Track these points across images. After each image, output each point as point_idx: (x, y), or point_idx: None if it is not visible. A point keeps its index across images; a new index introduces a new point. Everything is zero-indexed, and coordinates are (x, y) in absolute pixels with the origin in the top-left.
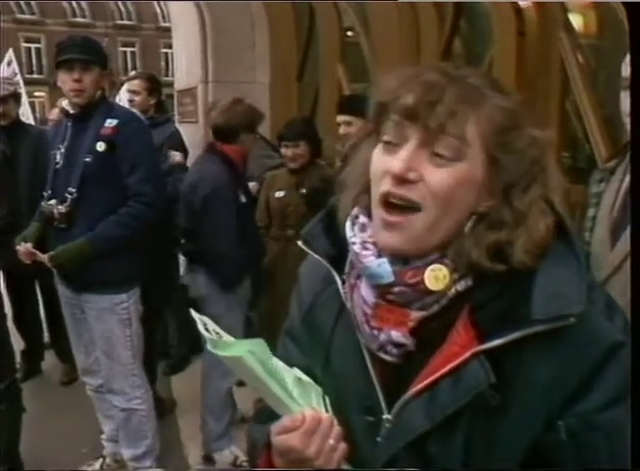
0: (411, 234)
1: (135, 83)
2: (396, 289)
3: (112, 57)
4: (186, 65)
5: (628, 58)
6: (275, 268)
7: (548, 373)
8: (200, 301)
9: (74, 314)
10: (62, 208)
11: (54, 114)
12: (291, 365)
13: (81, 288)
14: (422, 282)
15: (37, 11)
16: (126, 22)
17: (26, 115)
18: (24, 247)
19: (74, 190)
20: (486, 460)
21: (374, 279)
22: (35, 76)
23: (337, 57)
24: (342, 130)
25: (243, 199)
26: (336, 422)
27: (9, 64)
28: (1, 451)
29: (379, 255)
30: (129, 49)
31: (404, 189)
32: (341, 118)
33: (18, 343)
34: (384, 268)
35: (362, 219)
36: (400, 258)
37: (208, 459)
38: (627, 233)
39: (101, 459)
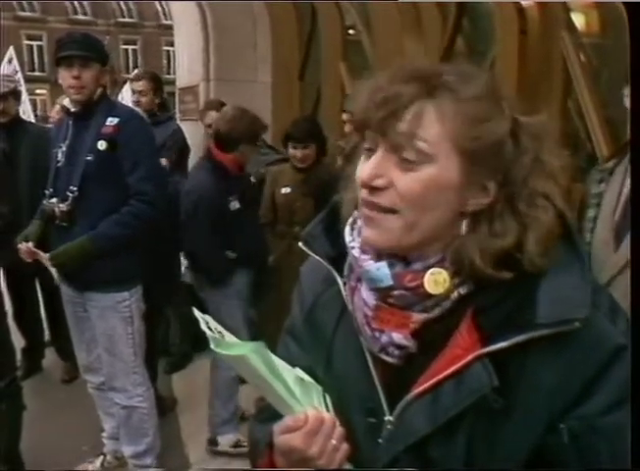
0: (389, 232)
1: (141, 84)
2: (395, 293)
3: (114, 55)
4: (187, 63)
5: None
6: (280, 265)
7: (551, 376)
8: (200, 292)
9: (76, 312)
10: (63, 207)
11: (55, 112)
12: (292, 364)
13: (84, 287)
14: (422, 285)
15: (39, 8)
16: (127, 19)
17: (26, 113)
18: (25, 246)
19: (75, 189)
20: (487, 463)
21: (373, 282)
22: (37, 73)
23: (339, 55)
24: (347, 128)
25: (237, 205)
26: (338, 422)
27: (10, 61)
28: (2, 449)
29: (378, 259)
30: (130, 47)
31: (375, 196)
32: (345, 116)
33: (18, 341)
34: (383, 271)
35: (360, 222)
36: (399, 260)
37: (211, 443)
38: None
39: (102, 457)
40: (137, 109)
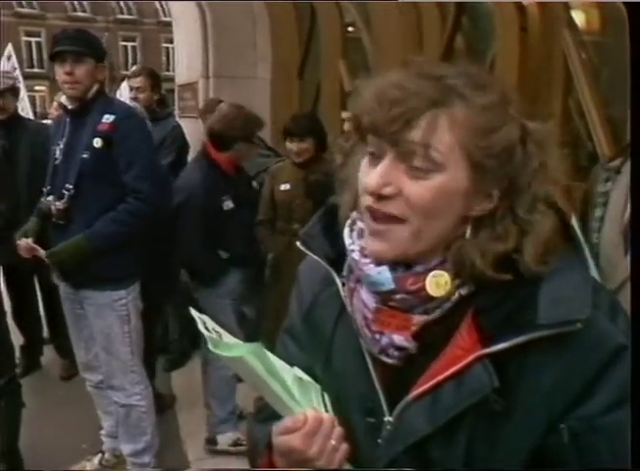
0: (396, 242)
1: (139, 81)
2: (397, 296)
3: (112, 52)
4: (186, 60)
5: None
6: (279, 262)
7: (552, 377)
8: (194, 293)
9: (73, 310)
10: (59, 204)
11: (54, 108)
12: (291, 364)
13: (80, 285)
14: (423, 288)
15: (38, 5)
16: (126, 16)
17: (25, 109)
18: (24, 242)
19: (71, 187)
20: (487, 463)
21: (374, 286)
22: (36, 70)
23: (338, 53)
24: (346, 126)
25: (230, 205)
26: (337, 422)
27: (8, 58)
28: (1, 447)
29: (379, 262)
30: (129, 44)
31: (383, 204)
32: (344, 114)
33: (17, 339)
34: (384, 275)
35: (360, 224)
36: (399, 263)
37: (210, 442)
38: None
39: (100, 455)
40: (135, 106)
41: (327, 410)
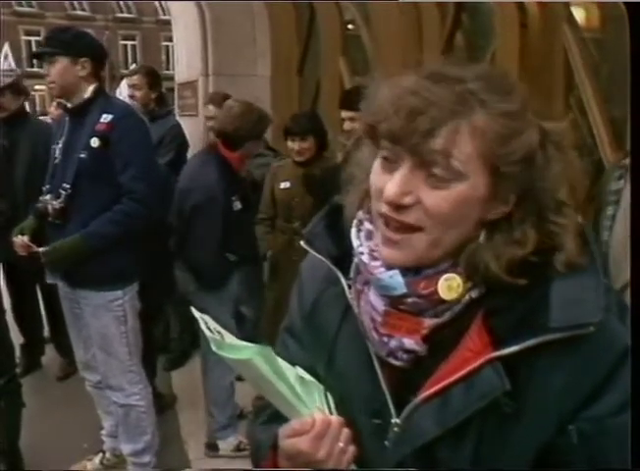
0: (412, 250)
1: (136, 78)
2: (409, 300)
3: (112, 51)
4: (186, 58)
5: None
6: (280, 260)
7: (562, 378)
8: (188, 296)
9: (72, 309)
10: (56, 204)
11: (53, 107)
12: (292, 363)
13: (77, 284)
14: (435, 292)
15: (37, 4)
16: (126, 15)
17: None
18: (20, 240)
19: (68, 186)
20: (495, 464)
21: (386, 290)
22: (35, 69)
23: (338, 50)
24: (346, 125)
25: (239, 206)
26: (345, 424)
27: (5, 57)
28: (1, 447)
29: (389, 265)
30: (129, 42)
31: (400, 214)
32: (344, 114)
33: (17, 338)
34: (396, 280)
35: (368, 225)
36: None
37: (211, 447)
38: None
39: (101, 454)
40: (133, 104)
41: (330, 411)
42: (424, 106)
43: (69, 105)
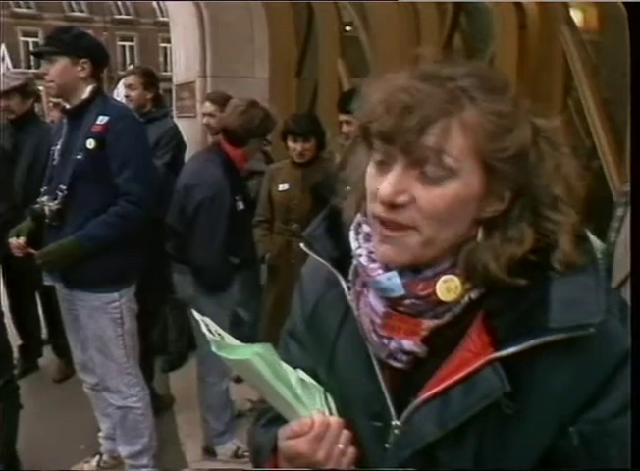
0: (408, 248)
1: (131, 79)
2: (407, 302)
3: (110, 52)
4: (184, 59)
5: None
6: (278, 262)
7: (563, 380)
8: (189, 301)
9: (70, 310)
10: (53, 205)
11: (49, 107)
12: (293, 366)
13: (74, 286)
14: (434, 293)
15: (35, 5)
16: (124, 16)
17: None
18: (15, 242)
19: (64, 188)
20: (497, 466)
21: (384, 292)
22: (33, 70)
23: (336, 52)
24: (344, 128)
25: (241, 206)
26: (344, 426)
27: (2, 59)
28: None
29: (387, 267)
30: (127, 44)
31: (394, 213)
32: (342, 116)
33: (15, 340)
34: (394, 281)
35: (366, 228)
36: (407, 267)
37: (208, 452)
38: None
39: (98, 456)
40: (129, 105)
41: (331, 413)
42: (414, 104)
43: (67, 106)
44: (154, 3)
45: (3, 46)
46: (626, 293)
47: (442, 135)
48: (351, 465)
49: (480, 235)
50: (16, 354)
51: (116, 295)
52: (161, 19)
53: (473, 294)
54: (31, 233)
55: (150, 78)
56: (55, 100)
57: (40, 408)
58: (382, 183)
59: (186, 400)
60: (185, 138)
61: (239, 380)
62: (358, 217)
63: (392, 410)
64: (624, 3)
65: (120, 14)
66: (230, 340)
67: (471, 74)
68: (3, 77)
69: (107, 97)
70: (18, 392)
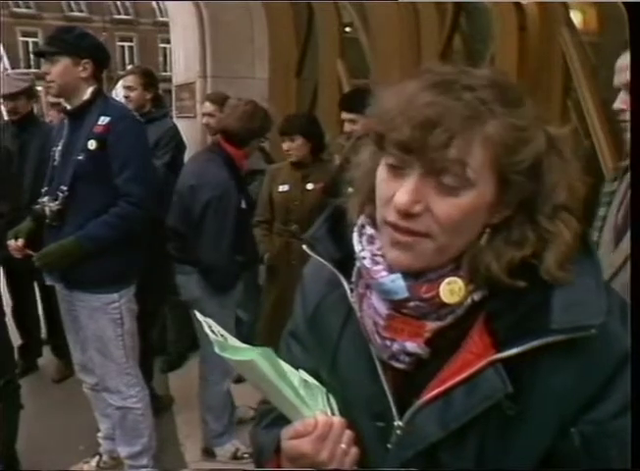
0: (420, 254)
1: (130, 79)
2: (410, 304)
3: (110, 52)
4: (184, 60)
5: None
6: (277, 263)
7: (564, 381)
8: (193, 303)
9: (70, 311)
10: (53, 206)
11: (46, 108)
12: (295, 366)
13: (73, 286)
14: (437, 295)
15: (34, 5)
16: (123, 16)
17: None
18: (14, 243)
19: (65, 188)
20: (498, 467)
21: (388, 294)
22: (32, 70)
23: (336, 52)
24: (346, 127)
25: (244, 205)
26: (347, 426)
27: (0, 60)
28: None
29: (391, 270)
30: (126, 44)
31: (409, 222)
32: (345, 115)
33: (15, 340)
34: (398, 284)
35: (369, 230)
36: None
37: (207, 453)
38: (625, 236)
39: (98, 457)
40: (128, 105)
41: (333, 413)
42: (437, 118)
43: (68, 107)
44: (154, 3)
45: (0, 46)
46: None
47: (464, 149)
48: (354, 465)
49: (484, 238)
50: (16, 354)
51: (116, 296)
52: (160, 19)
53: (476, 296)
54: (31, 233)
55: (149, 79)
56: (53, 100)
57: (39, 408)
58: (397, 190)
59: (186, 401)
60: (184, 139)
61: (239, 380)
62: (362, 219)
63: (394, 411)
64: (624, 3)
65: (119, 14)
66: (232, 341)
67: (490, 84)
68: (7, 77)
69: (108, 98)
70: (19, 393)
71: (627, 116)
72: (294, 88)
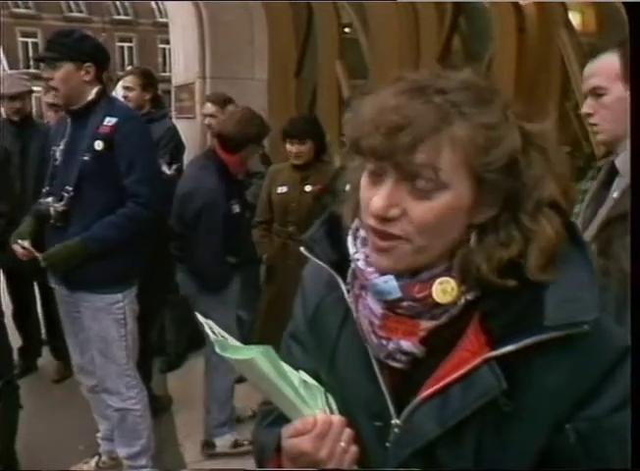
0: (400, 256)
1: (129, 80)
2: (404, 304)
3: (109, 53)
4: (183, 61)
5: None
6: (275, 264)
7: (559, 378)
8: (191, 299)
9: (70, 312)
10: (58, 207)
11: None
12: (295, 367)
13: (77, 287)
14: (430, 295)
15: (34, 5)
16: (123, 17)
17: None
18: (21, 245)
19: (70, 189)
20: (496, 464)
21: (381, 295)
22: (32, 70)
23: (335, 53)
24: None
25: (237, 209)
26: (346, 424)
27: None
28: None
29: (384, 271)
30: (126, 44)
31: (386, 225)
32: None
33: (15, 341)
34: (391, 285)
35: (363, 232)
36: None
37: (207, 445)
38: (587, 232)
39: (97, 457)
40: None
41: (333, 413)
42: (404, 122)
43: (72, 107)
44: (153, 3)
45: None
46: None
47: (432, 152)
48: (353, 464)
49: (473, 239)
50: (15, 355)
51: (120, 296)
52: (160, 19)
53: (469, 296)
54: (33, 234)
55: (148, 79)
56: (51, 101)
57: (39, 409)
58: (374, 196)
59: (185, 401)
60: (184, 139)
61: (239, 380)
62: (356, 221)
63: (392, 410)
64: (624, 3)
65: (119, 14)
66: (233, 341)
67: (463, 86)
68: (11, 77)
69: (112, 98)
70: (18, 393)
71: (594, 119)
72: (294, 89)
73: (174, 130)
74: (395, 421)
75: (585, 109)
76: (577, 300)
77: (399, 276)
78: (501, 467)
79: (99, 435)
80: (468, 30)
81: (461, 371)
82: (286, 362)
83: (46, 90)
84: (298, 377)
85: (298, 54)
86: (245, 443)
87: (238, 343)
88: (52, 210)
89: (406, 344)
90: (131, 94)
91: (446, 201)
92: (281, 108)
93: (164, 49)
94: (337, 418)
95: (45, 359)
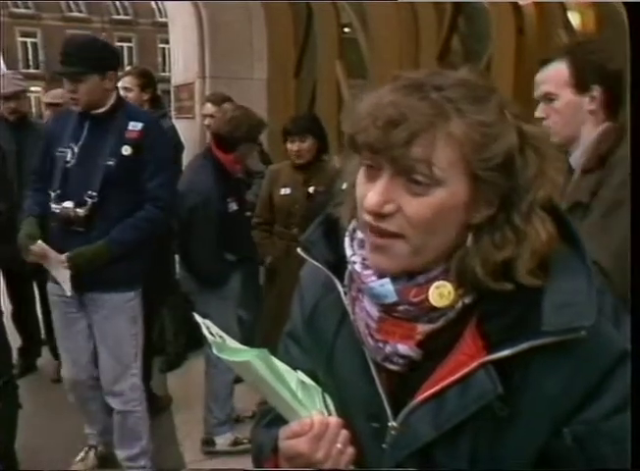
0: (397, 257)
1: (127, 80)
2: (400, 308)
3: None
4: (183, 60)
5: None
6: (278, 265)
7: (556, 382)
8: (191, 297)
9: (67, 314)
10: (81, 211)
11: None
12: (293, 367)
13: (89, 288)
14: (427, 299)
15: (33, 5)
16: (122, 17)
17: None
18: (39, 247)
19: (94, 194)
20: (492, 467)
21: (377, 298)
22: (31, 70)
23: (334, 53)
24: None
25: (234, 207)
26: (343, 425)
27: None
28: None
29: (381, 274)
30: (125, 44)
31: (382, 222)
32: None
33: (14, 341)
34: (387, 288)
35: (360, 234)
36: (402, 275)
37: (207, 444)
38: None
39: (94, 449)
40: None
41: (330, 414)
42: (400, 117)
43: (92, 111)
44: (153, 3)
45: None
46: None
47: (428, 147)
48: (350, 465)
49: (469, 240)
50: (15, 355)
51: (132, 294)
52: (160, 19)
53: (467, 299)
54: (41, 234)
55: (147, 79)
56: (50, 101)
57: (38, 408)
58: (369, 192)
59: (184, 401)
60: (183, 139)
61: (238, 380)
62: (353, 223)
63: (389, 412)
64: (624, 3)
65: (118, 14)
66: (230, 342)
67: (459, 83)
68: (7, 78)
69: (128, 102)
70: (17, 392)
71: (547, 123)
72: (293, 89)
73: (173, 130)
74: (391, 423)
75: (538, 113)
76: (575, 305)
77: (395, 279)
78: (497, 469)
79: (94, 432)
80: (468, 31)
81: (458, 375)
82: (284, 361)
83: (46, 90)
84: (296, 377)
85: (298, 54)
86: (245, 441)
87: (235, 344)
88: (73, 215)
89: (403, 348)
90: (129, 95)
91: (441, 198)
92: (280, 108)
93: (163, 49)
94: (333, 419)
95: (45, 359)
